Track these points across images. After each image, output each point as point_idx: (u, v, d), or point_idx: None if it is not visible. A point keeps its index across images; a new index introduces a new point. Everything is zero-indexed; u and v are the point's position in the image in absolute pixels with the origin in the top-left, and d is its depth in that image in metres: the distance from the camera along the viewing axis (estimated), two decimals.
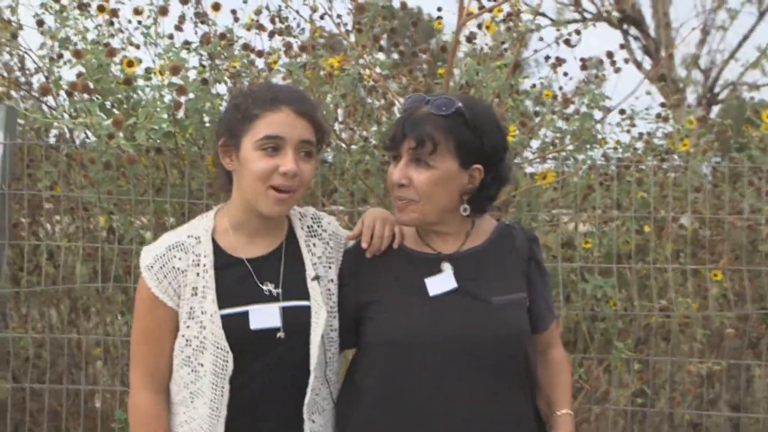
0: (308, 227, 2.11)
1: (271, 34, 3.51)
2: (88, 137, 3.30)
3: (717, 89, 13.91)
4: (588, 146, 3.43)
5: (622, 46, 4.94)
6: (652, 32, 12.70)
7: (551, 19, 3.40)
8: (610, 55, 3.49)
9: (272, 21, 3.61)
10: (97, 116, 2.84)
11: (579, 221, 3.80)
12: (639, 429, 3.62)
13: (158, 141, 3.05)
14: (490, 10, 3.31)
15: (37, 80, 3.82)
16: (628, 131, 3.97)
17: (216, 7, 3.19)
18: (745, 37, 12.51)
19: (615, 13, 11.39)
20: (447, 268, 2.05)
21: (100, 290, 3.56)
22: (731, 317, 3.29)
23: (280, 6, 3.56)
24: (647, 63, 13.06)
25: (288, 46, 3.16)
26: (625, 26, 12.71)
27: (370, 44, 3.24)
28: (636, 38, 12.97)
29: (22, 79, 3.88)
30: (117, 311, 3.95)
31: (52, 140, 3.85)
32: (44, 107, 3.66)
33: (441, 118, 1.96)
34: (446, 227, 2.08)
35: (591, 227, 3.76)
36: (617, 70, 3.77)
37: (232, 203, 2.03)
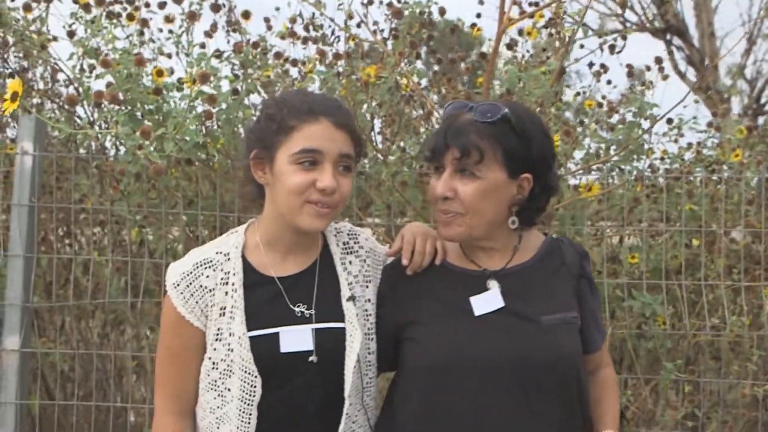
0: (344, 243, 1.99)
1: (305, 41, 3.41)
2: (119, 149, 3.24)
3: (763, 99, 13.60)
4: (634, 157, 3.27)
5: (668, 54, 4.77)
6: (696, 42, 12.46)
7: (593, 30, 3.32)
8: (658, 60, 3.33)
9: (306, 29, 3.53)
10: (126, 127, 2.77)
11: (625, 235, 3.65)
12: None
13: (188, 152, 2.97)
14: (532, 15, 3.19)
15: (68, 92, 3.77)
16: (676, 141, 3.82)
17: (246, 15, 3.12)
18: None
19: (658, 23, 11.18)
20: (494, 285, 1.92)
21: (132, 304, 3.49)
22: None
23: (313, 14, 3.48)
24: (691, 74, 12.79)
25: (322, 54, 3.06)
26: (668, 36, 12.49)
27: (407, 51, 3.13)
28: (680, 48, 12.72)
29: (54, 91, 3.84)
30: (148, 325, 3.90)
31: (82, 152, 3.80)
32: (76, 119, 3.61)
33: (486, 125, 1.84)
34: (493, 242, 1.95)
35: (637, 241, 3.61)
36: (665, 77, 3.61)
37: (265, 218, 1.92)
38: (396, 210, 3.31)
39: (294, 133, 1.80)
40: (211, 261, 1.86)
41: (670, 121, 3.54)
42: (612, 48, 3.31)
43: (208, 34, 3.20)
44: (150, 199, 3.24)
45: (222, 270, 1.85)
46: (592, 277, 2.03)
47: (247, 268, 1.87)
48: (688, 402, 3.04)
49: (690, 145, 3.59)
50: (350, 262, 1.96)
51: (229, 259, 1.87)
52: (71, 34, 3.47)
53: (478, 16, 3.51)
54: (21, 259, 3.09)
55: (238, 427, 1.80)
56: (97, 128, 2.91)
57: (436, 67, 3.72)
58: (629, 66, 3.47)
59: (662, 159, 3.80)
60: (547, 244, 2.02)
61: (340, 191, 1.81)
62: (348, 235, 2.01)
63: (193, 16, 2.99)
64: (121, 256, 3.46)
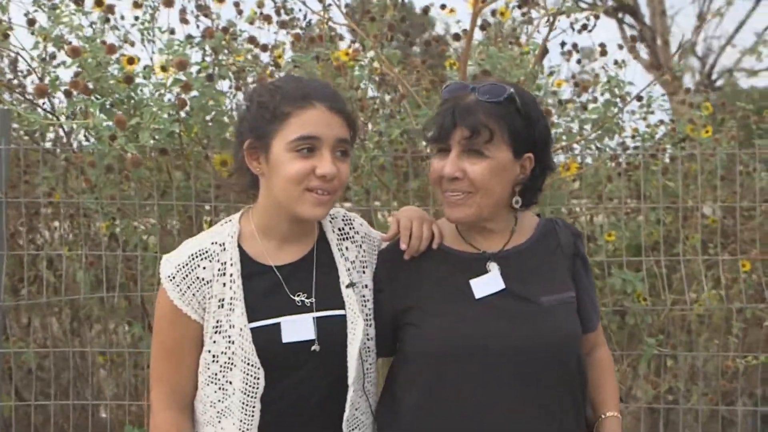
0: (339, 230, 1.95)
1: (282, 25, 3.34)
2: (88, 140, 3.14)
3: (714, 76, 13.84)
4: (607, 135, 3.29)
5: (633, 39, 4.80)
6: (647, 20, 12.60)
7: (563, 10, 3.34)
8: (633, 39, 3.35)
9: (277, 13, 3.46)
10: (98, 117, 2.69)
11: (597, 214, 3.67)
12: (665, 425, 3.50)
13: (162, 142, 2.90)
14: None
15: (30, 81, 3.66)
16: (644, 119, 3.85)
17: None
18: (742, 23, 12.42)
19: (609, 2, 11.27)
20: (494, 267, 1.91)
21: (103, 299, 3.41)
22: (763, 308, 3.16)
23: None
24: (643, 52, 12.93)
25: (297, 38, 3.00)
26: (620, 15, 12.61)
27: (381, 35, 3.08)
28: (631, 26, 12.88)
29: (15, 81, 3.72)
30: (121, 320, 3.82)
31: (48, 144, 3.70)
32: (39, 110, 3.50)
33: (493, 105, 1.82)
34: (494, 223, 1.94)
35: (607, 219, 3.63)
36: (636, 56, 3.63)
37: (260, 207, 1.87)
38: (374, 195, 3.28)
39: (289, 119, 1.75)
40: (206, 252, 1.81)
41: (639, 98, 3.56)
42: (584, 27, 3.31)
43: (185, 20, 3.12)
44: (122, 191, 3.17)
45: (218, 261, 1.81)
46: (586, 257, 2.03)
47: (244, 257, 1.83)
48: (672, 376, 3.07)
49: (661, 122, 3.61)
50: (347, 248, 1.93)
51: (225, 249, 1.82)
52: (32, 22, 3.35)
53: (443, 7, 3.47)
54: None
55: (241, 420, 1.76)
56: (66, 119, 2.81)
57: (406, 50, 3.68)
58: (602, 45, 3.47)
59: (633, 137, 3.83)
60: (542, 225, 2.02)
61: (339, 177, 1.78)
62: (343, 220, 1.98)
63: (169, 3, 2.90)
64: (91, 250, 3.36)
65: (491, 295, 1.87)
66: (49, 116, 3.08)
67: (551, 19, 2.91)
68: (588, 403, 2.01)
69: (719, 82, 14.27)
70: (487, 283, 1.88)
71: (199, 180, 3.23)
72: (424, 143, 3.43)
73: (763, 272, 3.36)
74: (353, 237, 1.96)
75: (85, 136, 3.09)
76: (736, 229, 3.53)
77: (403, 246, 1.93)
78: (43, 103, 3.20)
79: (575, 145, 3.40)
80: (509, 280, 1.89)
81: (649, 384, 3.23)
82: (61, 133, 3.65)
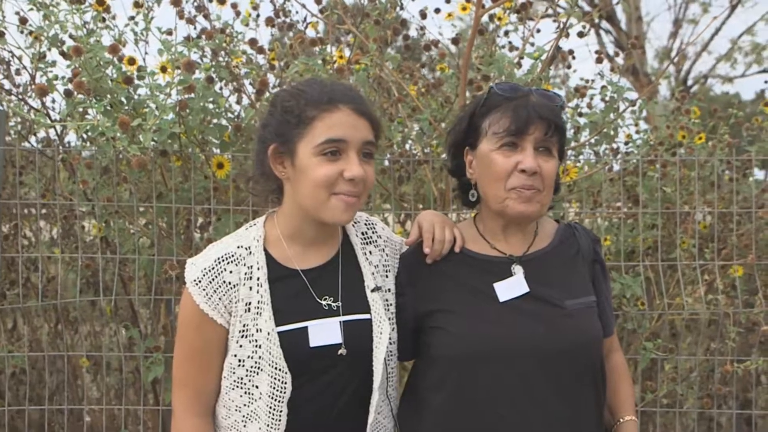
0: (363, 234, 1.96)
1: (280, 27, 3.33)
2: (84, 141, 3.10)
3: (690, 82, 14.00)
4: (606, 140, 3.31)
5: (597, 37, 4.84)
6: (623, 26, 12.74)
7: (557, 10, 3.34)
8: (599, 60, 3.43)
9: (276, 15, 3.44)
10: (100, 119, 2.65)
11: (593, 218, 3.69)
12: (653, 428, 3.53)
13: (162, 143, 2.86)
14: (504, 2, 3.18)
15: (22, 81, 3.60)
16: (637, 125, 3.89)
17: (222, 0, 3.00)
18: (717, 30, 12.60)
19: (588, 8, 11.38)
20: (518, 271, 1.92)
21: (97, 303, 3.36)
22: (758, 313, 3.19)
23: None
24: (620, 58, 13.04)
25: (300, 40, 2.98)
26: (596, 20, 12.70)
27: (380, 38, 3.08)
28: (608, 32, 13.00)
29: (5, 81, 3.65)
30: (106, 323, 3.76)
31: (39, 145, 3.64)
32: (33, 110, 3.44)
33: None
34: (524, 226, 1.98)
35: (599, 224, 3.66)
36: (600, 60, 3.64)
37: (285, 212, 1.86)
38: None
39: (315, 123, 1.75)
40: (233, 256, 1.80)
41: (633, 104, 3.58)
42: (581, 34, 3.33)
43: (190, 21, 3.08)
44: (118, 192, 3.12)
45: (245, 265, 1.80)
46: (604, 262, 2.06)
47: (270, 261, 1.82)
48: (670, 380, 3.09)
49: (656, 128, 3.64)
50: (370, 252, 1.93)
51: (251, 253, 1.81)
52: (23, 20, 3.30)
53: (447, 1, 3.47)
54: None
55: (268, 425, 1.75)
56: (65, 120, 2.76)
57: (403, 54, 3.68)
58: (598, 52, 3.50)
59: (626, 143, 3.87)
60: (562, 230, 2.04)
61: (366, 179, 1.78)
62: (365, 224, 1.98)
63: (177, 2, 2.87)
64: (83, 252, 3.31)
65: (515, 299, 1.88)
66: (47, 117, 3.02)
67: (561, 25, 2.92)
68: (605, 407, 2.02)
69: (694, 89, 14.46)
70: (512, 287, 1.90)
71: (197, 183, 3.20)
72: (419, 146, 3.44)
73: (757, 277, 3.40)
74: (376, 241, 1.96)
75: (81, 137, 3.04)
76: (728, 234, 3.57)
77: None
78: (42, 104, 3.14)
79: (570, 151, 3.41)
80: (533, 284, 1.90)
81: (643, 388, 3.25)
82: (53, 134, 3.61)
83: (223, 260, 1.80)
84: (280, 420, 1.75)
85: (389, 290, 1.92)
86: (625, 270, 3.21)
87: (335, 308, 1.82)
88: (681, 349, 3.51)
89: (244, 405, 1.80)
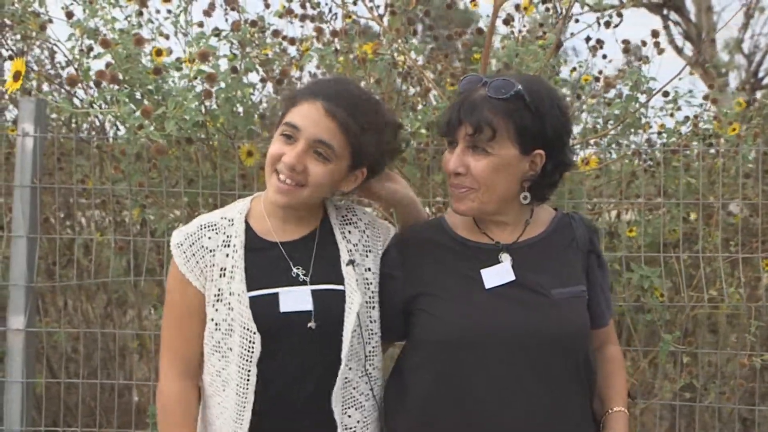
0: (342, 216, 2.03)
1: (303, 19, 3.41)
2: (119, 129, 3.25)
3: (761, 74, 13.57)
4: (632, 131, 3.28)
5: (663, 28, 4.76)
6: (693, 17, 12.42)
7: (589, 5, 3.28)
8: (655, 34, 3.32)
9: (303, 6, 3.52)
10: (126, 107, 2.77)
11: (623, 209, 3.66)
12: (686, 423, 3.49)
13: (188, 131, 2.98)
14: None
15: (67, 73, 3.77)
16: (672, 115, 3.83)
17: None
18: None
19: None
20: (506, 258, 1.94)
21: (134, 283, 3.51)
22: None
23: None
24: (688, 49, 12.75)
25: (319, 32, 3.06)
26: (665, 11, 12.44)
27: (404, 28, 3.13)
28: (676, 23, 12.69)
29: (53, 72, 3.84)
30: (151, 305, 3.93)
31: (83, 134, 3.81)
32: (75, 100, 3.61)
33: (500, 101, 1.84)
34: (505, 216, 1.97)
35: (634, 216, 3.62)
36: (661, 51, 3.60)
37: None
38: None
39: (292, 107, 1.86)
40: (215, 225, 1.92)
41: (666, 94, 3.54)
42: (608, 24, 3.31)
43: (207, 13, 3.20)
44: (151, 178, 3.26)
45: (224, 233, 1.91)
46: (601, 253, 2.06)
47: (250, 233, 1.92)
48: (687, 374, 3.06)
49: (687, 118, 3.59)
50: (349, 232, 2.00)
51: (232, 224, 1.92)
52: (69, 14, 3.46)
53: None
54: (24, 240, 3.11)
55: (238, 385, 1.83)
56: (97, 108, 2.90)
57: (432, 45, 3.72)
58: (625, 41, 3.47)
59: (659, 134, 3.81)
60: (558, 219, 2.04)
61: (308, 175, 1.83)
62: (346, 209, 2.06)
63: None
64: (122, 236, 3.47)
65: (502, 286, 1.91)
66: (77, 106, 3.18)
67: (564, 12, 2.91)
68: (596, 397, 2.03)
69: (766, 80, 14.00)
70: (498, 274, 1.92)
71: (227, 170, 3.31)
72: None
73: None
74: (356, 223, 2.03)
75: (115, 125, 3.18)
76: (759, 227, 3.50)
77: None
78: (74, 93, 3.30)
79: (600, 140, 3.41)
80: (521, 272, 1.92)
81: (668, 381, 3.23)
82: (96, 122, 3.77)
83: (204, 227, 1.92)
84: (248, 380, 1.82)
85: (369, 269, 1.98)
86: (655, 262, 3.19)
87: (305, 279, 1.89)
88: (728, 343, 3.47)
89: (222, 369, 1.88)
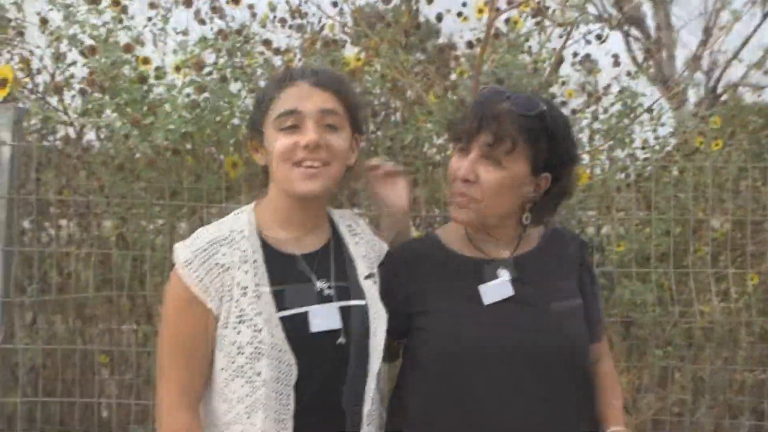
0: (348, 226, 1.96)
1: (291, 29, 3.35)
2: (100, 138, 3.15)
3: (719, 90, 13.80)
4: (620, 146, 3.29)
5: (648, 51, 4.82)
6: (653, 33, 12.62)
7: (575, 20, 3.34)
8: (615, 56, 3.38)
9: (292, 16, 3.47)
10: (112, 116, 2.69)
11: (604, 223, 3.66)
12: None
13: (174, 142, 2.90)
14: (518, 6, 3.18)
15: (42, 80, 3.65)
16: (655, 131, 3.85)
17: (236, 0, 3.03)
18: (748, 38, 12.42)
19: (616, 14, 11.28)
20: (503, 274, 1.91)
21: (113, 299, 3.41)
22: None
23: (300, 1, 3.42)
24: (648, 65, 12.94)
25: (312, 42, 3.01)
26: (626, 27, 12.63)
27: (395, 41, 3.09)
28: (637, 39, 12.90)
29: (25, 80, 3.71)
30: (126, 320, 3.81)
31: (57, 143, 3.69)
32: (49, 108, 3.50)
33: (523, 117, 1.81)
34: (502, 231, 1.94)
35: (614, 230, 3.63)
36: (617, 64, 3.62)
37: (270, 197, 1.86)
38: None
39: (274, 102, 1.78)
40: (226, 238, 1.78)
41: (650, 110, 3.56)
42: (599, 38, 3.32)
43: (202, 21, 3.12)
44: (132, 190, 3.16)
45: (239, 248, 1.77)
46: (591, 267, 2.04)
47: (265, 245, 1.80)
48: (680, 388, 3.06)
49: (672, 133, 3.61)
50: (356, 243, 1.93)
51: (245, 236, 1.79)
52: (44, 21, 3.36)
53: (464, 5, 3.48)
54: (0, 254, 2.99)
55: (276, 411, 1.71)
56: (91, 117, 2.81)
57: (421, 56, 3.69)
58: (615, 56, 3.48)
59: (643, 148, 3.83)
60: (549, 234, 2.02)
61: (330, 149, 1.76)
62: (350, 218, 1.99)
63: (189, 3, 2.91)
64: (98, 249, 3.36)
65: (500, 301, 1.87)
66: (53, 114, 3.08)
67: (568, 29, 2.91)
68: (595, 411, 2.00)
69: (724, 97, 14.23)
70: (496, 289, 1.88)
71: (210, 181, 3.23)
72: (434, 149, 3.44)
73: None
74: (361, 234, 1.96)
75: (97, 135, 3.08)
76: (744, 242, 3.53)
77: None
78: (58, 101, 3.20)
79: (584, 156, 3.40)
80: (518, 287, 1.88)
81: (654, 396, 3.23)
82: (72, 132, 3.66)
83: (215, 242, 1.77)
84: (288, 405, 1.72)
85: (375, 282, 1.91)
86: (641, 277, 3.19)
87: (330, 294, 1.81)
88: (698, 357, 3.47)
89: (246, 395, 1.74)
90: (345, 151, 1.81)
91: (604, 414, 1.99)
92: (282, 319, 1.73)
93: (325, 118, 1.77)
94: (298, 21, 3.46)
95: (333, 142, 1.77)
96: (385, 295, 1.92)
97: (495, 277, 1.91)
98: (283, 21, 3.34)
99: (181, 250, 1.77)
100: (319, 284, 1.81)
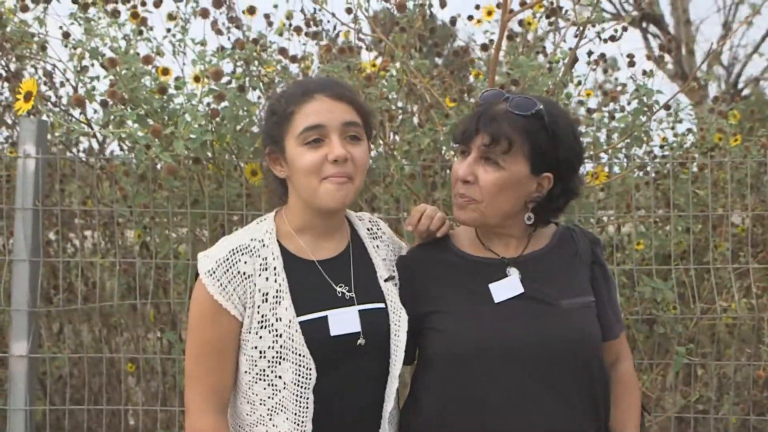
0: (368, 230, 2.01)
1: (306, 36, 3.39)
2: (122, 149, 3.20)
3: (740, 85, 13.73)
4: (637, 143, 3.29)
5: (662, 48, 4.78)
6: (671, 29, 12.55)
7: (591, 22, 3.33)
8: (630, 56, 3.38)
9: (307, 24, 3.51)
10: (133, 127, 2.74)
11: (625, 222, 3.66)
12: None
13: (195, 151, 2.94)
14: (532, 6, 3.19)
15: (65, 93, 3.72)
16: (672, 128, 3.84)
17: (251, 10, 3.08)
18: None
19: (634, 12, 11.24)
20: (513, 272, 1.93)
21: (137, 307, 3.46)
22: None
23: (315, 9, 3.46)
24: (668, 60, 12.86)
25: (328, 49, 3.04)
26: (644, 24, 12.57)
27: (409, 45, 3.12)
28: (655, 36, 12.84)
29: (49, 93, 3.78)
30: (151, 328, 3.86)
31: (81, 154, 3.76)
32: (72, 120, 3.56)
33: (520, 117, 1.85)
34: (508, 230, 1.97)
35: (634, 228, 3.63)
36: (632, 64, 3.61)
37: (291, 209, 1.92)
38: (404, 204, 3.30)
39: (294, 117, 1.82)
40: (247, 247, 1.84)
41: (668, 107, 3.55)
42: (612, 38, 3.32)
43: (219, 31, 3.16)
44: (155, 199, 3.21)
45: (259, 256, 1.83)
46: (605, 264, 2.05)
47: (285, 253, 1.86)
48: (702, 385, 3.06)
49: (690, 130, 3.60)
50: (377, 246, 1.98)
51: (265, 245, 1.85)
52: (66, 34, 3.42)
53: (477, 7, 3.50)
54: (27, 264, 3.05)
55: (296, 414, 1.77)
56: (109, 128, 2.86)
57: (438, 60, 3.72)
58: (630, 55, 3.48)
59: (662, 146, 3.82)
60: (560, 232, 2.05)
61: (354, 160, 1.82)
62: (370, 221, 2.04)
63: (205, 14, 2.95)
64: (122, 258, 3.41)
65: (511, 299, 1.90)
66: (76, 127, 3.13)
67: (581, 28, 2.92)
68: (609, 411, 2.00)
69: (745, 92, 14.17)
70: (506, 287, 1.91)
71: (230, 189, 3.27)
72: (452, 152, 3.46)
73: None
74: (381, 237, 2.02)
75: (119, 146, 3.14)
76: (765, 237, 3.52)
77: (409, 228, 2.00)
78: (80, 114, 3.25)
79: (603, 155, 3.40)
80: (528, 284, 1.91)
81: (679, 394, 3.22)
82: (95, 143, 3.73)
83: (237, 251, 1.83)
84: (307, 408, 1.77)
85: (396, 284, 1.96)
86: (661, 274, 3.18)
87: (350, 297, 1.86)
88: (722, 354, 3.46)
89: (269, 397, 1.81)
90: (367, 162, 1.87)
91: (620, 417, 1.99)
92: (302, 323, 1.78)
93: (348, 130, 1.83)
94: (314, 29, 3.49)
95: (356, 155, 1.82)
96: (400, 297, 1.96)
97: (504, 275, 1.94)
98: (298, 29, 3.37)
99: (205, 260, 1.84)
100: (339, 288, 1.86)
